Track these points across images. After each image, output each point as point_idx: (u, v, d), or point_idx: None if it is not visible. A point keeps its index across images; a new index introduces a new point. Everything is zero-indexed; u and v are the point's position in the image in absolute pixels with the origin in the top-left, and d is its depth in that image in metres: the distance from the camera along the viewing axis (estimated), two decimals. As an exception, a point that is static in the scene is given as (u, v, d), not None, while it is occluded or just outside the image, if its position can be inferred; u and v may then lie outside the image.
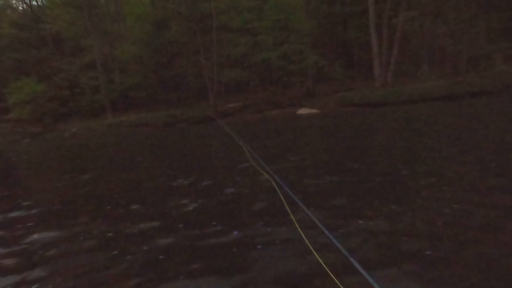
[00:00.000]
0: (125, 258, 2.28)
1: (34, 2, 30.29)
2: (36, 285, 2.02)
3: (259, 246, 2.24)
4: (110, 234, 2.79)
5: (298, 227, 2.22)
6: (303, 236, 2.07)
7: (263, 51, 18.81)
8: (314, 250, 1.87)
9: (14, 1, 31.21)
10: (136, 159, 7.57)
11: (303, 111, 16.81)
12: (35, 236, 2.92)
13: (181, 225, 2.80)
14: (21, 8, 30.94)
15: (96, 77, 22.78)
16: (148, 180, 4.94)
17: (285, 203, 2.74)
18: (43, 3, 29.60)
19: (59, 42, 26.64)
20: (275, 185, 3.35)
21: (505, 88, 13.30)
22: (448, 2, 21.00)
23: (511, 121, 7.01)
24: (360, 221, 2.47)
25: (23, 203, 4.24)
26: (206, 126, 15.76)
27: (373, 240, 2.17)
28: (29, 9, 29.50)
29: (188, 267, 2.06)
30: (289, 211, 2.53)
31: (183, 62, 22.95)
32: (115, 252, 2.40)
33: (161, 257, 2.24)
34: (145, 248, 2.41)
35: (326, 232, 1.78)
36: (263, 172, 4.03)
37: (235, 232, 2.52)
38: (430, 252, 1.93)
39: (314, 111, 16.54)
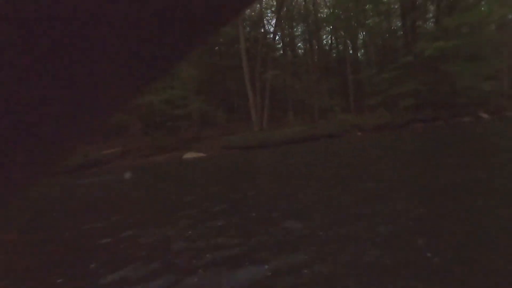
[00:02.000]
0: None
1: None
2: None
3: None
4: None
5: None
6: None
7: (145, 95, 18.17)
8: None
9: None
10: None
11: (189, 155, 16.73)
12: None
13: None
14: None
15: None
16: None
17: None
18: None
19: None
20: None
21: (344, 132, 17.58)
22: (300, 67, 26.83)
23: (352, 157, 9.21)
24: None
25: None
26: (71, 179, 13.20)
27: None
28: None
29: None
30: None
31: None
32: None
33: None
34: None
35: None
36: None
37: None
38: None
39: (201, 154, 16.74)
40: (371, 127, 18.04)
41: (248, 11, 29.36)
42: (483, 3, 20.62)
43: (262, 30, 26.52)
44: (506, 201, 3.45)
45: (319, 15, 28.43)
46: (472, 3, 20.25)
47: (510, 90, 22.69)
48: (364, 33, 29.42)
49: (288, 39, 31.91)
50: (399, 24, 25.89)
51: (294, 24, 30.66)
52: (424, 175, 5.43)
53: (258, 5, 27.47)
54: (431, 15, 23.97)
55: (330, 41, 32.46)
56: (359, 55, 32.25)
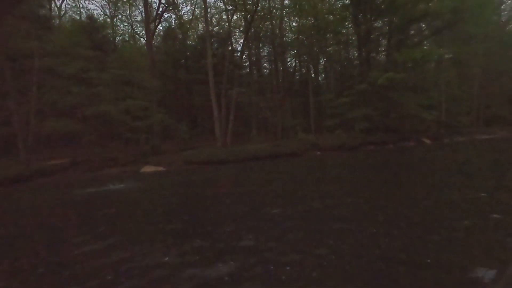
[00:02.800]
0: None
1: None
2: None
3: None
4: None
5: None
6: None
7: (102, 104, 17.19)
8: None
9: None
10: None
11: (147, 168, 15.99)
12: None
13: None
14: None
15: None
16: None
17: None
18: None
19: None
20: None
21: (305, 151, 18.29)
22: (265, 85, 27.69)
23: (308, 175, 9.58)
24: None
25: None
26: (7, 191, 11.79)
27: None
28: None
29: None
30: None
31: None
32: None
33: None
34: None
35: None
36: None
37: None
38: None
39: (160, 168, 16.10)
40: (329, 147, 19.00)
41: (216, 28, 29.90)
42: (425, 42, 23.51)
43: (230, 48, 27.05)
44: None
45: (284, 39, 29.90)
46: (417, 42, 22.96)
47: (447, 119, 25.74)
48: (325, 59, 31.50)
49: (254, 59, 32.91)
50: (356, 54, 28.21)
51: (260, 45, 31.81)
52: (370, 192, 5.92)
53: (227, 24, 28.14)
54: (383, 48, 26.56)
55: (294, 63, 34.16)
56: (320, 79, 34.27)
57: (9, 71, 16.25)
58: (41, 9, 22.82)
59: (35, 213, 6.56)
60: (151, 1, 25.44)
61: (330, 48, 29.13)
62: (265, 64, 34.87)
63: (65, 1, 28.58)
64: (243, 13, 25.51)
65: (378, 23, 24.18)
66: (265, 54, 33.08)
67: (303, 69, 33.88)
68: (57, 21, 26.72)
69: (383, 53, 26.68)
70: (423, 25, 24.20)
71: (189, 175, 12.23)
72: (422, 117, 20.66)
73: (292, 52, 31.40)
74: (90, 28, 21.37)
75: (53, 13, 26.69)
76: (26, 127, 16.28)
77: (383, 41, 25.79)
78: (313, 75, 32.42)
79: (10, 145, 16.78)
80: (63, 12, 29.19)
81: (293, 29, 31.03)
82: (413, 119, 21.45)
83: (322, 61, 32.10)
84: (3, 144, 17.25)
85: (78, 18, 28.83)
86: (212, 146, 19.89)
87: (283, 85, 28.87)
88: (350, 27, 26.22)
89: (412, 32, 24.56)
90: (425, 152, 14.74)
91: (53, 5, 27.08)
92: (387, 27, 23.64)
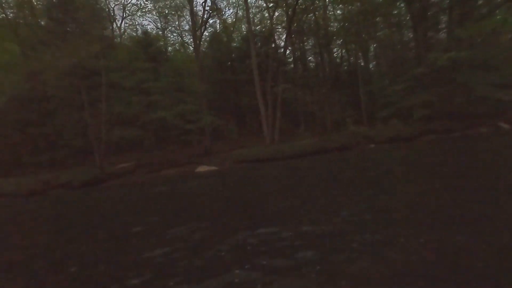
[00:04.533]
0: None
1: None
2: None
3: None
4: None
5: None
6: None
7: (159, 110, 18.77)
8: None
9: None
10: None
11: (202, 168, 16.95)
12: None
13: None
14: None
15: None
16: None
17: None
18: None
19: None
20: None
21: (356, 144, 17.38)
22: (311, 79, 27.03)
23: (363, 170, 9.09)
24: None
25: None
26: (91, 191, 13.64)
27: None
28: None
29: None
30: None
31: (61, 119, 20.16)
32: None
33: None
34: None
35: None
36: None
37: None
38: None
39: (213, 168, 16.93)
40: (383, 139, 17.74)
41: (259, 27, 30.12)
42: (497, 12, 20.31)
43: (273, 45, 27.01)
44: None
45: (329, 29, 28.72)
46: (486, 13, 19.97)
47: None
48: (375, 45, 29.38)
49: (298, 53, 32.30)
50: (411, 36, 25.75)
51: (304, 38, 31.08)
52: (436, 191, 5.20)
53: (269, 21, 28.15)
54: (443, 25, 23.73)
55: (341, 54, 32.61)
56: (370, 67, 32.15)
57: (83, 88, 18.75)
58: (105, 30, 25.73)
59: (144, 205, 7.60)
60: (196, 10, 26.79)
61: (380, 33, 27.10)
62: (310, 58, 34.00)
63: (123, 21, 31.59)
64: (284, 8, 25.22)
65: (436, -2, 21.65)
66: (310, 47, 32.23)
67: (351, 58, 32.16)
68: (118, 39, 29.87)
69: (443, 30, 23.84)
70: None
71: (239, 174, 12.62)
72: (497, 98, 17.90)
73: (338, 42, 30.02)
74: (145, 42, 23.39)
75: (114, 33, 29.94)
76: (98, 136, 18.60)
77: (442, 17, 23.03)
78: (362, 64, 30.56)
79: (87, 153, 19.35)
80: (123, 30, 32.50)
81: (338, 17, 29.63)
82: (484, 102, 18.70)
83: (371, 47, 30.05)
84: (81, 152, 19.97)
85: (134, 34, 31.81)
86: (261, 144, 20.17)
87: (330, 77, 27.80)
88: (402, 6, 24.00)
89: (480, 2, 21.41)
90: (504, 139, 12.78)
91: (114, 25, 30.38)
92: (447, 1, 21.02)
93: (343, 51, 31.99)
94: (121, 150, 21.43)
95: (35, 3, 24.09)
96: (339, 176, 8.43)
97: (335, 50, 31.88)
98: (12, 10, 24.53)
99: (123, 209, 7.62)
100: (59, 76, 19.26)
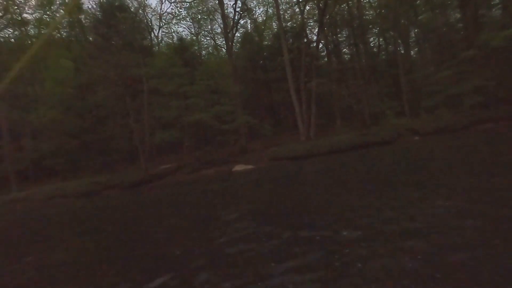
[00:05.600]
0: None
1: None
2: None
3: None
4: None
5: None
6: None
7: (196, 113, 19.49)
8: None
9: None
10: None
11: (239, 167, 17.25)
12: None
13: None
14: None
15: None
16: None
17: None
18: None
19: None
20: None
21: (398, 137, 16.35)
22: (347, 72, 26.03)
23: (407, 165, 8.53)
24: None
25: None
26: (137, 192, 14.66)
27: None
28: None
29: None
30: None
31: (110, 126, 21.94)
32: None
33: None
34: None
35: None
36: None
37: None
38: None
39: (249, 166, 17.13)
40: (430, 131, 16.45)
41: (290, 23, 29.75)
42: None
43: (305, 40, 26.49)
44: None
45: (364, 17, 27.35)
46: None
47: None
48: (416, 30, 27.31)
49: (332, 46, 31.27)
50: (458, 16, 23.50)
51: (338, 30, 29.97)
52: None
53: (300, 16, 27.67)
54: (497, 1, 21.26)
55: (378, 43, 30.88)
56: (412, 54, 29.97)
57: (127, 95, 20.18)
58: (144, 40, 27.40)
59: (208, 201, 8.10)
60: (227, 12, 27.28)
61: (421, 16, 25.13)
62: (344, 50, 32.68)
63: (160, 30, 33.32)
64: (315, 1, 24.57)
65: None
66: (344, 38, 30.99)
67: (389, 47, 30.28)
68: (156, 48, 31.58)
69: (497, 6, 21.36)
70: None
71: (275, 171, 12.61)
72: None
73: (374, 30, 28.47)
74: (181, 48, 24.44)
75: (153, 42, 31.73)
76: (143, 140, 19.89)
77: (496, -8, 20.63)
78: (402, 52, 28.62)
79: (133, 156, 20.81)
80: (160, 39, 34.29)
81: (373, 5, 28.10)
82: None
83: (412, 33, 27.98)
84: (128, 155, 21.54)
85: (170, 41, 33.37)
86: (296, 141, 19.93)
87: (367, 68, 26.49)
88: (446, -15, 21.99)
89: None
90: None
91: (152, 35, 32.19)
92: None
93: (380, 39, 30.26)
94: (163, 152, 22.69)
95: (84, 22, 26.48)
96: (388, 171, 8.01)
97: (371, 39, 30.29)
98: (65, 30, 27.28)
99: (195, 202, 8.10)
100: (107, 86, 20.98)
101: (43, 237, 6.79)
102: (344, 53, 32.81)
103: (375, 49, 31.03)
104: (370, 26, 27.17)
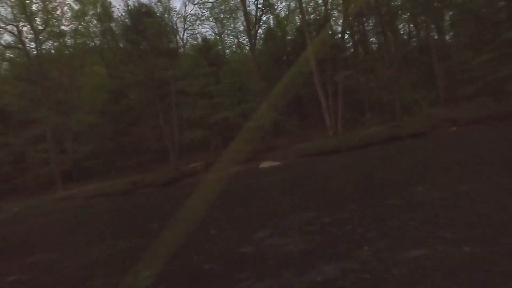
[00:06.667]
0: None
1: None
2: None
3: None
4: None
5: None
6: None
7: (222, 111, 19.83)
8: None
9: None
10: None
11: (265, 164, 17.32)
12: None
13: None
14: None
15: (45, 149, 21.55)
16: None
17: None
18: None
19: (3, 116, 25.26)
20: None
21: (433, 129, 15.43)
22: (375, 62, 24.98)
23: (447, 159, 8.05)
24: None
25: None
26: (170, 189, 15.28)
27: None
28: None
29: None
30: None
31: (142, 127, 22.98)
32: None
33: None
34: None
35: None
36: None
37: None
38: None
39: (276, 163, 17.13)
40: (469, 120, 15.34)
41: (313, 16, 29.08)
42: None
43: (330, 32, 25.76)
44: None
45: (393, 3, 25.99)
46: None
47: None
48: (451, 13, 25.46)
49: (358, 36, 30.12)
50: (499, -6, 21.51)
51: (364, 19, 28.77)
52: None
53: (323, 7, 26.98)
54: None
55: (408, 29, 29.22)
56: (447, 38, 28.01)
57: (156, 97, 20.99)
58: (170, 43, 28.25)
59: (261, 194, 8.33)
60: (249, 10, 27.26)
61: (457, -3, 23.35)
62: (372, 39, 31.31)
63: (185, 32, 34.14)
64: (339, -9, 23.81)
65: None
66: (370, 27, 29.67)
67: (421, 33, 28.53)
68: (182, 50, 32.44)
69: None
70: None
71: (307, 167, 12.50)
72: None
73: (404, 16, 26.96)
74: (205, 48, 24.87)
75: (178, 44, 32.63)
76: (172, 140, 20.61)
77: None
78: (435, 37, 26.86)
79: (164, 155, 21.65)
80: (185, 41, 35.16)
81: (402, -12, 26.58)
82: None
83: (447, 16, 26.11)
84: (159, 155, 22.45)
85: (195, 42, 34.09)
86: (323, 136, 19.56)
87: (397, 57, 25.20)
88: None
89: None
90: None
91: (177, 37, 33.10)
92: None
93: (411, 26, 28.59)
94: (191, 151, 23.35)
95: (115, 29, 27.87)
96: (428, 163, 7.63)
97: (400, 26, 28.73)
98: (98, 38, 28.91)
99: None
100: (137, 89, 21.98)
101: (99, 231, 7.34)
102: (372, 42, 31.45)
103: (405, 36, 29.40)
104: (399, 12, 25.74)
